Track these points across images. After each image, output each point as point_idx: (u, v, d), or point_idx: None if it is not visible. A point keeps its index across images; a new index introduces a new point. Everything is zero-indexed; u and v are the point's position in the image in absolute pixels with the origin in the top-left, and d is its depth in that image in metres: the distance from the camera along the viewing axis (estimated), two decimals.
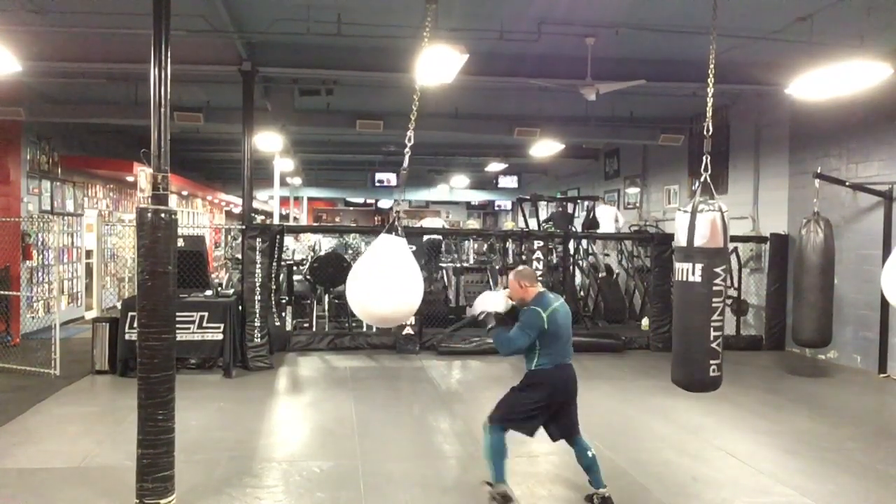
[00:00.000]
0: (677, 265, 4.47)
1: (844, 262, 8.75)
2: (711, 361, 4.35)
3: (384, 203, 26.33)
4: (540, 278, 9.79)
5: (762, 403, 7.01)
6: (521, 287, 4.31)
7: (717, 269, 4.31)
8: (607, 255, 12.85)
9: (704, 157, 4.43)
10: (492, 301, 4.35)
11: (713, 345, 4.33)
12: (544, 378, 4.19)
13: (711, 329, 4.31)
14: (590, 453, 4.27)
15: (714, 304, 4.31)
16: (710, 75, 4.49)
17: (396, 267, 4.45)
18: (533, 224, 13.87)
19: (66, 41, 7.86)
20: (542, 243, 10.16)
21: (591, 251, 12.92)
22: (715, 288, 4.30)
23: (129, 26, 6.96)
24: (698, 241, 4.30)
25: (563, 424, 4.28)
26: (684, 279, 4.39)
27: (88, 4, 6.84)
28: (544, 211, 16.29)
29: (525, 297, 4.28)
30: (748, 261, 10.80)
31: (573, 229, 12.64)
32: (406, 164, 5.09)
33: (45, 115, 10.61)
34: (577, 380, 4.30)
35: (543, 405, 4.19)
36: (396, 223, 4.76)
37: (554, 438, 4.33)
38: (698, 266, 4.30)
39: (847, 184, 8.63)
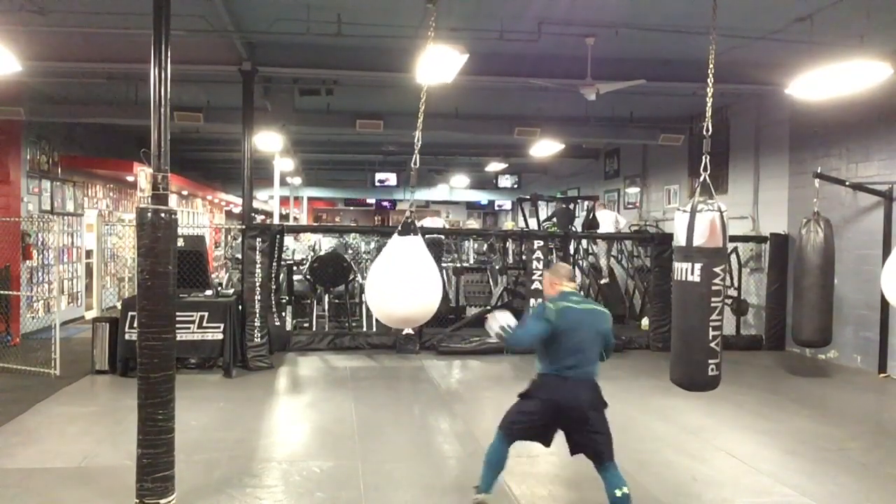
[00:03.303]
0: (676, 265, 4.46)
1: (844, 262, 8.74)
2: (710, 361, 4.33)
3: (384, 203, 26.30)
4: (540, 278, 9.90)
5: (762, 403, 7.01)
6: (550, 284, 4.09)
7: (716, 269, 4.29)
8: (615, 256, 12.79)
9: (704, 157, 4.41)
10: (501, 319, 3.88)
11: (712, 344, 4.31)
12: (541, 385, 3.88)
13: (710, 329, 4.29)
14: (618, 492, 3.67)
15: (713, 304, 4.29)
16: (710, 75, 4.49)
17: (414, 267, 4.42)
18: (533, 224, 13.86)
19: (66, 41, 7.86)
20: (542, 243, 10.16)
21: (591, 251, 12.91)
22: (714, 288, 4.28)
23: (129, 26, 6.96)
24: (697, 241, 4.29)
25: (579, 444, 3.86)
26: (683, 279, 4.37)
27: (88, 4, 6.84)
28: (544, 211, 16.29)
29: (551, 294, 4.02)
30: (748, 261, 10.80)
31: (573, 229, 12.63)
32: (416, 162, 4.93)
33: (45, 115, 10.61)
34: (594, 402, 3.84)
35: (539, 415, 3.83)
36: (411, 224, 4.65)
37: (571, 452, 3.93)
38: (697, 266, 4.28)
39: (847, 184, 8.63)
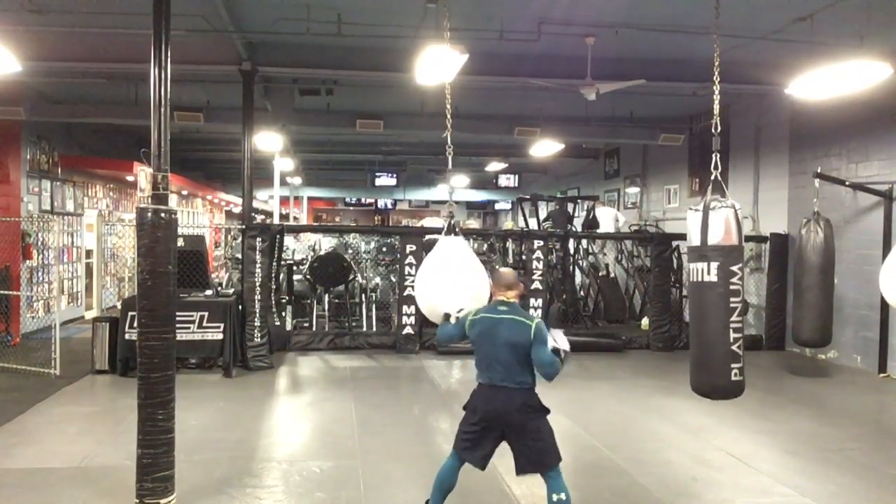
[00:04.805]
0: (691, 265, 4.28)
1: (844, 262, 8.74)
2: (733, 365, 4.13)
3: (384, 203, 26.30)
4: (540, 278, 9.92)
5: (762, 403, 7.01)
6: (491, 292, 4.04)
7: (733, 268, 4.10)
8: (615, 257, 12.82)
9: (714, 155, 4.31)
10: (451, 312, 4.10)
11: (734, 347, 4.11)
12: (473, 395, 3.83)
13: (731, 331, 4.09)
14: (555, 497, 3.58)
15: (732, 305, 4.09)
16: (716, 73, 4.47)
17: (463, 265, 4.52)
18: (533, 224, 13.84)
19: (66, 41, 7.87)
20: (542, 243, 10.16)
21: (591, 251, 12.92)
22: (732, 287, 4.09)
23: (129, 26, 6.96)
24: (712, 240, 4.12)
25: (523, 455, 3.70)
26: (699, 280, 4.17)
27: (88, 4, 6.83)
28: (544, 211, 16.28)
29: (491, 302, 4.01)
30: (748, 261, 10.79)
31: (573, 229, 12.62)
32: (450, 164, 5.21)
33: (45, 115, 10.61)
34: (523, 412, 3.68)
35: (479, 429, 3.73)
36: (454, 224, 4.79)
37: (517, 472, 3.77)
38: (714, 265, 4.08)
39: (847, 184, 8.63)
